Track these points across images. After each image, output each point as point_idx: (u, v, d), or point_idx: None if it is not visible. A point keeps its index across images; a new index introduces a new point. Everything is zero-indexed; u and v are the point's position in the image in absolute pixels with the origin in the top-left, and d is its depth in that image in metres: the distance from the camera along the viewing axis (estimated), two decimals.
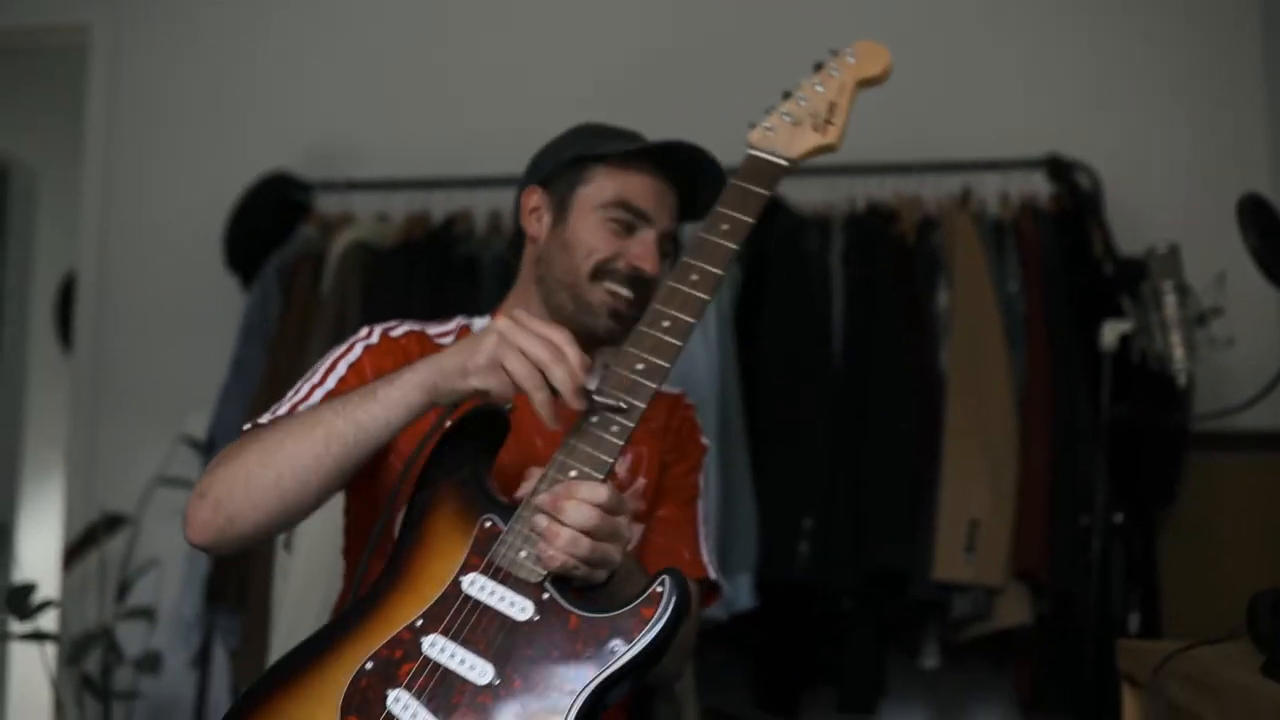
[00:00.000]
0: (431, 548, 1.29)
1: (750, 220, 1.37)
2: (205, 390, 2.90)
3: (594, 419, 1.27)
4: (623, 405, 1.27)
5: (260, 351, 2.71)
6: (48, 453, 4.64)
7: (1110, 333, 2.30)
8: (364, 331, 1.58)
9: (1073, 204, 2.71)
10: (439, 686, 1.19)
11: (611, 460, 1.26)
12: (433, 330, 1.61)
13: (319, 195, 3.00)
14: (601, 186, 1.56)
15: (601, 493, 1.22)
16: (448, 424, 1.34)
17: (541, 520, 1.23)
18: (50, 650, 2.96)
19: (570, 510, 1.21)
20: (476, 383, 1.25)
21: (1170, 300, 2.25)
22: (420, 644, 1.23)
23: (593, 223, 1.55)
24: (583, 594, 1.24)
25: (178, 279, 3.23)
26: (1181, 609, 2.48)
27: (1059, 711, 2.56)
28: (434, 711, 1.18)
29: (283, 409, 1.44)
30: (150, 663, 2.88)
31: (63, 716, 2.92)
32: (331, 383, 1.48)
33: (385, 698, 1.20)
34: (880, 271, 2.61)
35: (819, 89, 1.43)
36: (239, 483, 1.31)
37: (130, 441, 3.18)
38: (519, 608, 1.21)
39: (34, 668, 3.03)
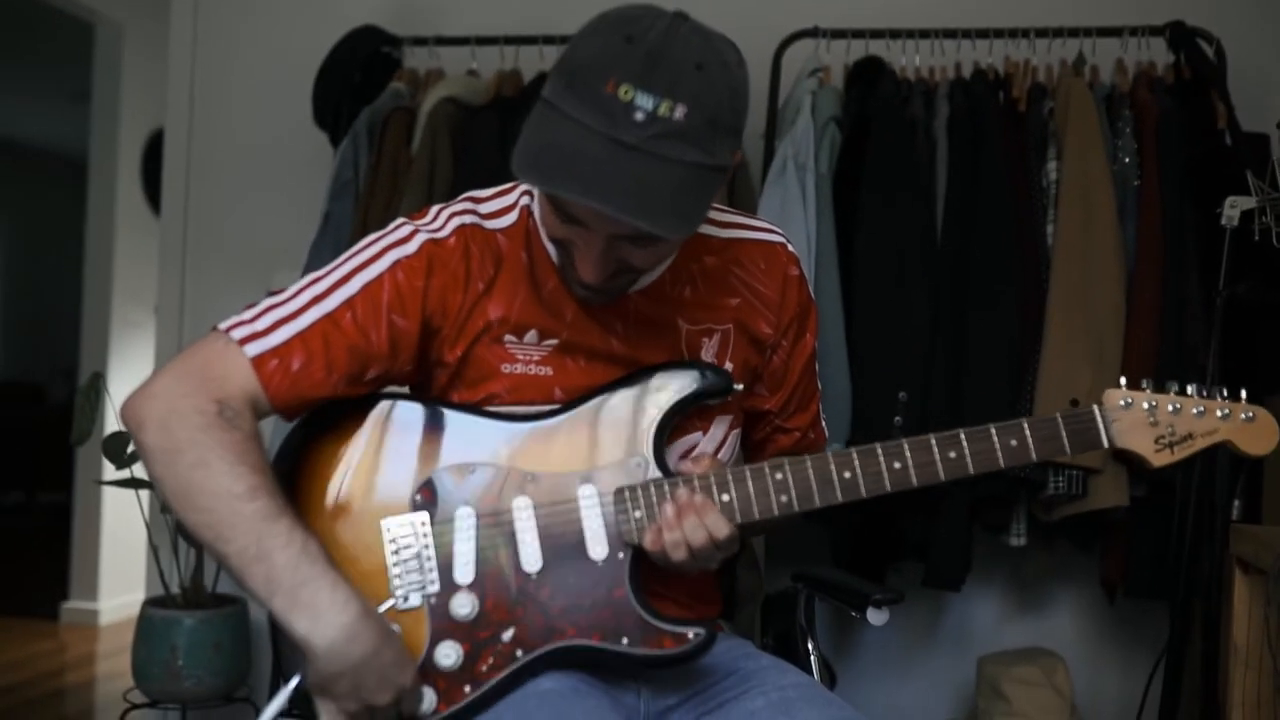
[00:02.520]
0: (593, 430, 1.33)
1: (1034, 460, 1.32)
2: (293, 246, 2.89)
3: (779, 476, 1.31)
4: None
5: (350, 207, 2.69)
6: (136, 307, 4.73)
7: (1233, 208, 2.19)
8: (403, 231, 1.35)
9: (1193, 74, 2.57)
10: (495, 538, 1.29)
11: (756, 519, 1.31)
12: (486, 209, 1.39)
13: (408, 51, 2.94)
14: None
15: (723, 532, 1.28)
16: None
17: (670, 509, 1.28)
18: (145, 497, 3.03)
19: (690, 524, 1.27)
20: (322, 693, 1.21)
21: None
22: (515, 494, 1.30)
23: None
24: (646, 574, 1.31)
25: (266, 135, 3.21)
26: None
27: (1142, 596, 2.53)
28: (478, 549, 1.28)
29: (273, 313, 1.28)
30: None
31: (157, 561, 3.00)
32: (334, 303, 1.28)
33: (459, 505, 1.29)
34: (987, 140, 2.51)
35: (1196, 412, 1.33)
36: (165, 471, 1.23)
37: (219, 296, 3.21)
38: (598, 545, 1.29)
39: (130, 514, 3.11)
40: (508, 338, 1.35)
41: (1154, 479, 2.41)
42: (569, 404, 1.34)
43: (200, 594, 2.91)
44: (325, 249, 2.70)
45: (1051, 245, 2.46)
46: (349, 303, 1.29)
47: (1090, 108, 2.49)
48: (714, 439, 1.44)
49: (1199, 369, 2.28)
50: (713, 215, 1.47)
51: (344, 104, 2.84)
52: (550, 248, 1.38)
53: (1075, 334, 2.38)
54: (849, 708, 1.31)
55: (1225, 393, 1.35)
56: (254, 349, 1.25)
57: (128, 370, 4.63)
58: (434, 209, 1.39)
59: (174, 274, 3.30)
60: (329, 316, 1.28)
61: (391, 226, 1.37)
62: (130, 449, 2.92)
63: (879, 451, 1.32)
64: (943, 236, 2.49)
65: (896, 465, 1.31)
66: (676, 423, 1.36)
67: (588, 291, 1.33)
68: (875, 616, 1.63)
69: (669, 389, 1.34)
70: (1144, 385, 1.34)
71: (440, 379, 1.38)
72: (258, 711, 2.93)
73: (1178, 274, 2.42)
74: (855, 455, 1.32)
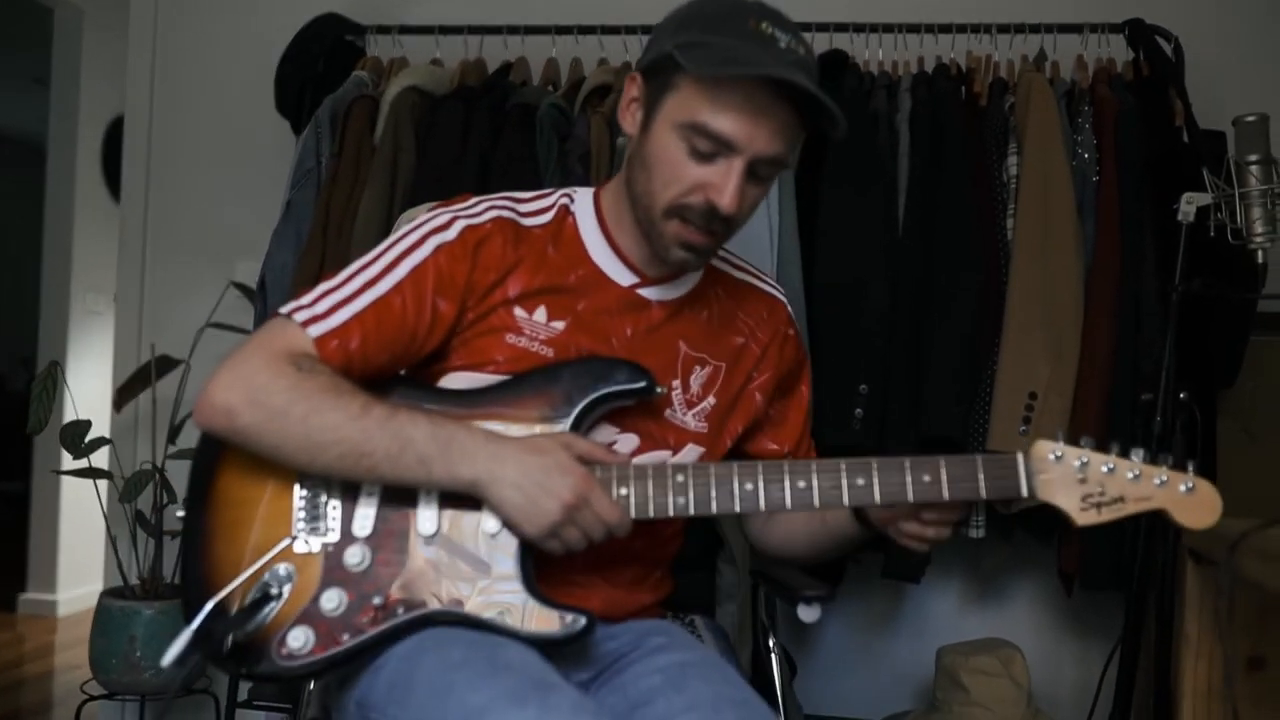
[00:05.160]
0: (514, 407, 1.37)
1: (945, 500, 1.30)
2: (254, 234, 2.88)
3: (679, 478, 1.32)
4: None
5: (312, 196, 2.67)
6: (94, 296, 4.67)
7: (1189, 205, 2.21)
8: (442, 219, 1.42)
9: (1152, 71, 2.60)
10: (398, 498, 1.33)
11: (651, 517, 1.33)
12: (525, 209, 1.48)
13: (372, 39, 2.93)
14: (686, 102, 1.33)
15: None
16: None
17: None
18: (103, 487, 3.00)
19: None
20: (528, 531, 1.29)
21: (1254, 172, 2.17)
22: None
23: (670, 145, 1.35)
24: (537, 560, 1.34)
25: (227, 122, 3.19)
26: (1234, 489, 2.44)
27: (1100, 587, 2.56)
28: (379, 506, 1.32)
29: (330, 297, 1.35)
30: None
31: (115, 552, 2.98)
32: (385, 287, 1.36)
33: None
34: (949, 134, 2.53)
35: (1131, 475, 1.28)
36: (281, 437, 1.28)
37: (180, 285, 3.19)
38: (491, 519, 1.32)
39: (89, 504, 3.08)
40: (517, 311, 1.41)
41: None
42: (500, 384, 1.39)
43: (159, 585, 2.89)
44: (287, 238, 2.68)
45: (1011, 239, 2.48)
46: (398, 286, 1.36)
47: (1050, 103, 2.51)
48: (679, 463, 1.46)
49: (1154, 363, 2.31)
50: (728, 258, 1.59)
51: (307, 92, 2.83)
52: (597, 243, 1.46)
53: (1034, 327, 2.40)
54: (742, 685, 1.34)
55: (1171, 460, 1.30)
56: (316, 330, 1.33)
57: (86, 360, 4.58)
58: (473, 198, 1.47)
59: (134, 262, 3.26)
60: (382, 299, 1.36)
61: (429, 215, 1.44)
62: (88, 439, 2.90)
63: (785, 469, 1.32)
64: (904, 230, 2.50)
65: (800, 484, 1.31)
66: (601, 413, 1.40)
67: (692, 248, 1.39)
68: (806, 614, 1.66)
69: (598, 378, 1.38)
70: (1082, 442, 1.31)
71: (448, 341, 1.43)
72: (217, 703, 2.92)
73: (1135, 269, 2.45)
74: (760, 469, 1.32)
